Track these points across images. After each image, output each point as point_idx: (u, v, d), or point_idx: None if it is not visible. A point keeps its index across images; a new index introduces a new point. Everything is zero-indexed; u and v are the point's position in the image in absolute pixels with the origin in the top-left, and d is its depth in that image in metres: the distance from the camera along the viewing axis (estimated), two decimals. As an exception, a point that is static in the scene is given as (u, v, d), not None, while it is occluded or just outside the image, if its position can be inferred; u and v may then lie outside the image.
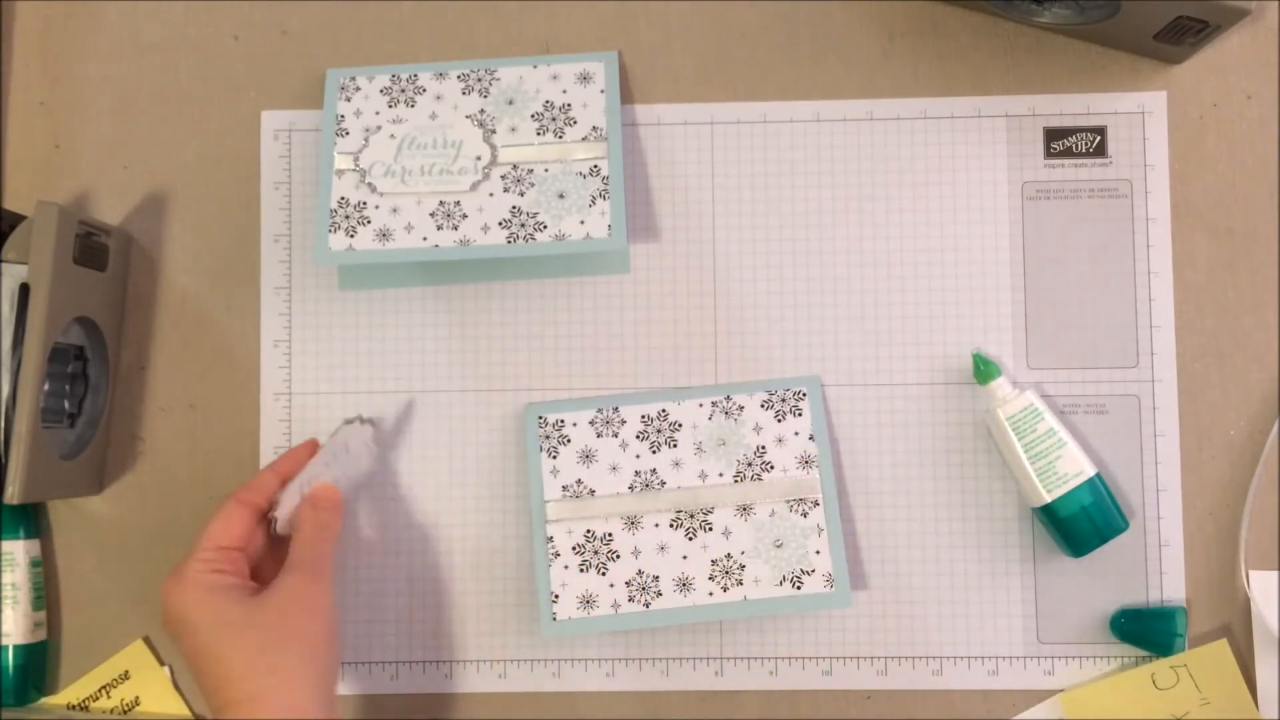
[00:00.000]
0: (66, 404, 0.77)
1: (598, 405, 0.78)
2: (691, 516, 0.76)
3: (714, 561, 0.76)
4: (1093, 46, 0.80)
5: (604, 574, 0.76)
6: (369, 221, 0.76)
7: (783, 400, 0.78)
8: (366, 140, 0.78)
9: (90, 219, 0.77)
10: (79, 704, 0.78)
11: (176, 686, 0.79)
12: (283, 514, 0.72)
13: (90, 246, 0.76)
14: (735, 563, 0.76)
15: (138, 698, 0.78)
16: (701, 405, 0.78)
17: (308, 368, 0.80)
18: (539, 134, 0.77)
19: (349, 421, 0.78)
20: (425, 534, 0.79)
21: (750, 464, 0.77)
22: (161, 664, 0.79)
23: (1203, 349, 0.78)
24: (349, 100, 0.79)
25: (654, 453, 0.77)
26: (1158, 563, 0.77)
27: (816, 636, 0.78)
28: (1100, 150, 0.79)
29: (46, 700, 0.79)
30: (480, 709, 0.78)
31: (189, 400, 0.80)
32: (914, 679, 0.77)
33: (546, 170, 0.77)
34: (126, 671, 0.78)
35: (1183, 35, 0.75)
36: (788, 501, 0.76)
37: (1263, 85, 0.79)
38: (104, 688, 0.78)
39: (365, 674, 0.79)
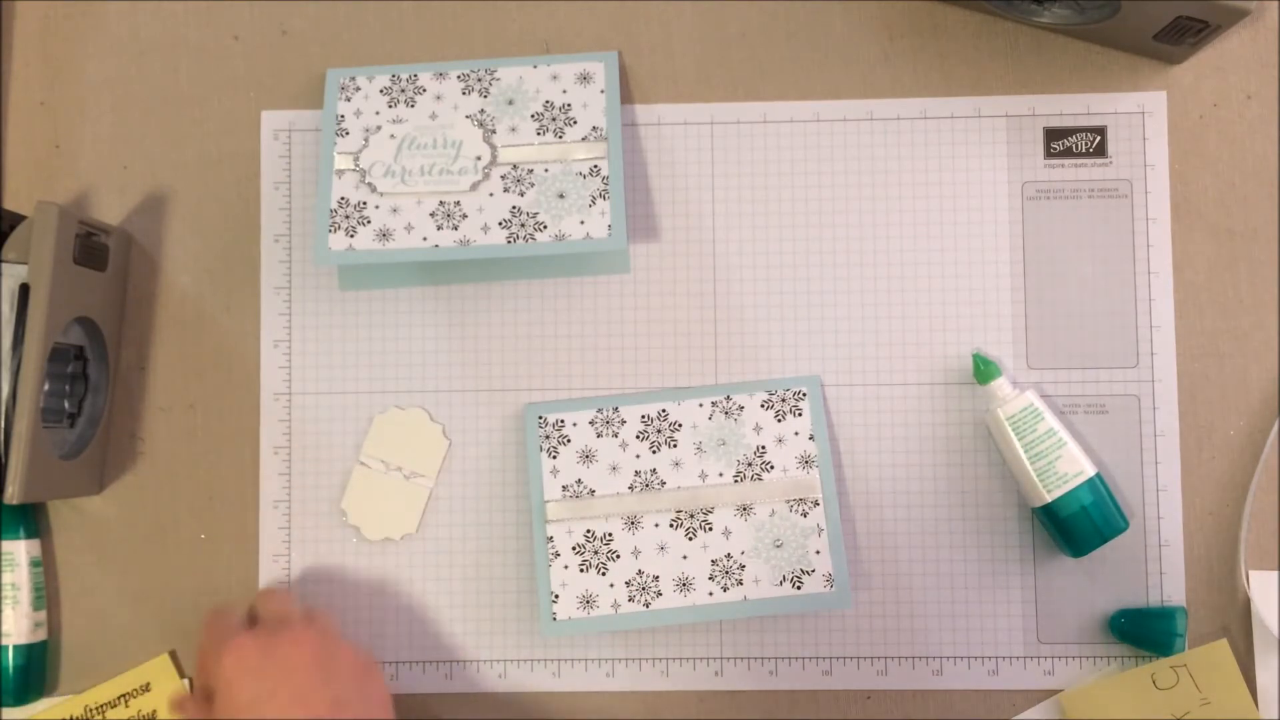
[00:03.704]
0: (66, 404, 0.77)
1: (598, 405, 0.78)
2: (691, 516, 0.76)
3: (714, 561, 0.76)
4: (1093, 46, 0.80)
5: (604, 574, 0.76)
6: (369, 221, 0.76)
7: (783, 400, 0.78)
8: (366, 140, 0.78)
9: (90, 219, 0.77)
10: (96, 708, 0.78)
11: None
12: None
13: (90, 246, 0.76)
14: (735, 563, 0.76)
15: (155, 711, 0.78)
16: (701, 405, 0.78)
17: (308, 368, 0.80)
18: (539, 134, 0.77)
19: None
20: (425, 534, 0.79)
21: (750, 464, 0.77)
22: (182, 677, 0.79)
23: (1203, 349, 0.78)
24: (349, 100, 0.79)
25: (654, 453, 0.77)
26: (1158, 563, 0.77)
27: (816, 636, 0.78)
28: (1100, 150, 0.79)
29: (51, 699, 0.78)
30: (480, 709, 0.78)
31: (189, 400, 0.80)
32: (914, 679, 0.77)
33: (546, 170, 0.77)
34: (148, 684, 0.78)
35: (1183, 35, 0.75)
36: (788, 501, 0.76)
37: (1263, 85, 0.79)
38: (124, 696, 0.78)
39: (365, 674, 0.79)
